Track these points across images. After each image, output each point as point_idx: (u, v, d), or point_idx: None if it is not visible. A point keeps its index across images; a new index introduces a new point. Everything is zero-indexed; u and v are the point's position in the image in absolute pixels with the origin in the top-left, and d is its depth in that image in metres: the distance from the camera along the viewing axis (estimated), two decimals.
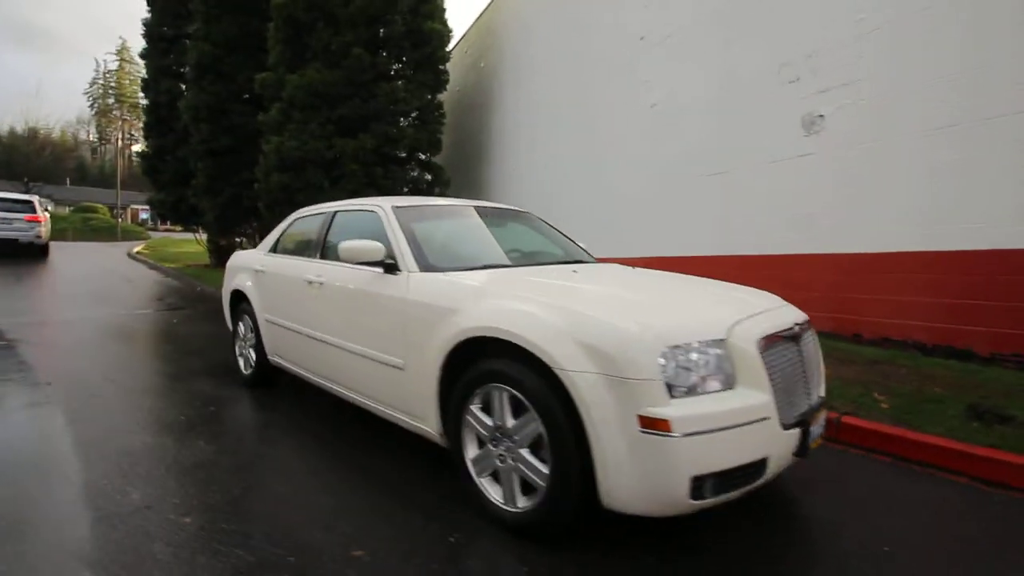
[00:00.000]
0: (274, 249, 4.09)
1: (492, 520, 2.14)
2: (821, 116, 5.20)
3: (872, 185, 4.83)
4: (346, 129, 10.73)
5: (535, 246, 3.36)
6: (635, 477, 1.75)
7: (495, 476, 2.17)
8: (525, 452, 2.01)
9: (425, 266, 2.66)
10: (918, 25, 4.48)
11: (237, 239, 15.21)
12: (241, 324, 4.29)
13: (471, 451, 2.24)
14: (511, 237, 3.32)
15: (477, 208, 3.46)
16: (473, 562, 1.94)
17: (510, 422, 2.06)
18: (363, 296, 2.83)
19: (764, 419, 1.85)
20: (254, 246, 15.46)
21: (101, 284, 11.45)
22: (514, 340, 1.97)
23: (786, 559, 2.02)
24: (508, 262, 2.91)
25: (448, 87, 11.86)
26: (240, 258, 4.63)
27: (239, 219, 13.58)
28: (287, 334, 3.61)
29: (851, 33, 4.93)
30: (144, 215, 36.89)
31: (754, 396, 1.86)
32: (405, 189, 11.32)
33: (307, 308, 3.33)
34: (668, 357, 1.78)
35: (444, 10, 11.36)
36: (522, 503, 2.05)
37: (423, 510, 2.28)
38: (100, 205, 37.57)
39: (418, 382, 2.46)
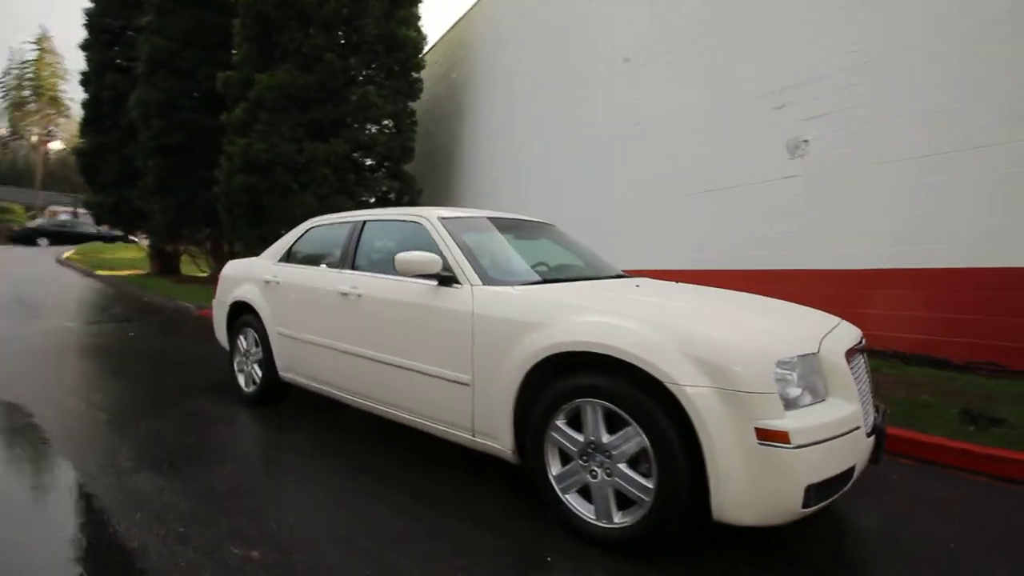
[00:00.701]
0: (286, 259, 3.88)
1: (580, 536, 2.10)
2: (806, 141, 5.57)
3: (853, 207, 5.21)
4: (317, 133, 10.38)
5: (574, 259, 3.38)
6: (749, 488, 1.78)
7: (582, 493, 2.15)
8: (624, 467, 2.00)
9: (488, 279, 2.61)
10: (901, 63, 4.90)
11: (183, 246, 14.28)
12: (243, 338, 4.02)
13: (555, 468, 2.21)
14: (550, 250, 3.31)
15: (507, 219, 3.43)
16: None
17: (605, 437, 2.05)
18: (417, 310, 2.73)
19: (857, 428, 1.94)
20: (207, 253, 14.64)
21: (36, 293, 10.39)
22: (622, 356, 1.96)
23: (866, 560, 2.11)
24: (563, 275, 2.91)
25: (420, 96, 11.76)
26: (240, 267, 4.35)
27: (192, 222, 12.76)
28: (307, 348, 3.42)
29: (836, 66, 5.33)
30: (64, 216, 33.85)
31: (847, 407, 1.95)
32: (372, 200, 11.06)
33: (338, 321, 3.17)
34: (779, 371, 1.83)
35: (419, 17, 11.27)
36: (619, 518, 2.03)
37: (504, 531, 2.21)
38: (15, 205, 34.18)
39: (489, 398, 2.39)
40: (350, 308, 3.10)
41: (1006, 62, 4.27)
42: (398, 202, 11.94)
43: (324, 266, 3.54)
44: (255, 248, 7.43)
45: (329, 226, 3.76)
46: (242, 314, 4.07)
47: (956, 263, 4.59)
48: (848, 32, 5.25)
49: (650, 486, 1.93)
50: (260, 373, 3.85)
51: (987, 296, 4.45)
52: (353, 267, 3.28)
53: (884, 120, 5.00)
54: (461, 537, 2.16)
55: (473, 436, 2.51)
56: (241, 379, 4.06)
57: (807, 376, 1.92)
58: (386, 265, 3.23)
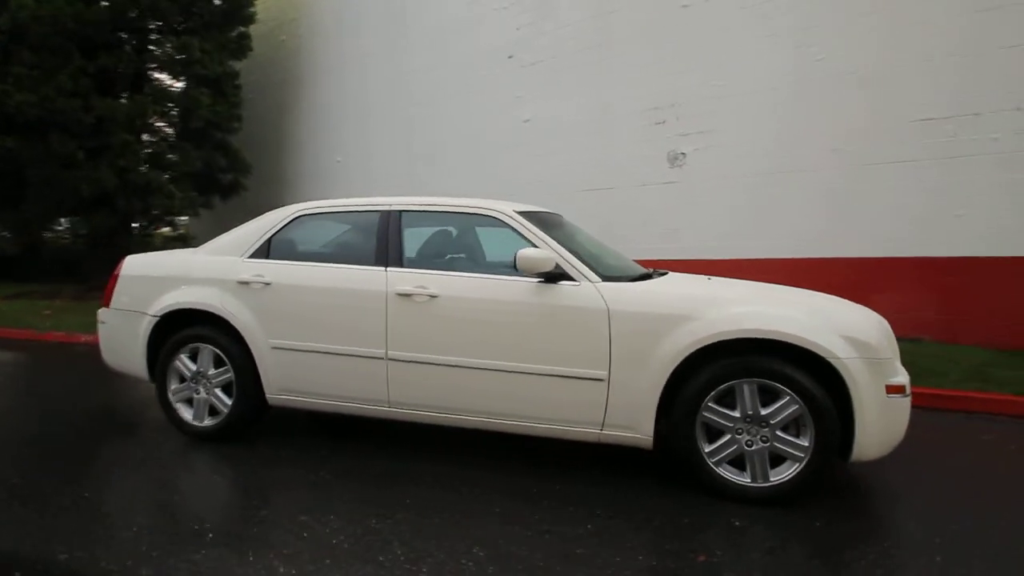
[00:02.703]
0: (263, 254, 3.11)
1: (737, 500, 2.38)
2: (683, 154, 6.72)
3: (720, 209, 6.53)
4: (110, 86, 7.98)
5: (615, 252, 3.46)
6: (880, 431, 2.31)
7: (733, 463, 2.42)
8: (780, 432, 2.35)
9: (604, 276, 2.65)
10: (750, 99, 6.29)
11: None
12: (187, 360, 3.09)
13: (706, 445, 2.43)
14: (595, 243, 3.36)
15: (543, 212, 3.37)
16: (764, 533, 2.16)
17: (763, 410, 2.36)
18: (531, 309, 2.59)
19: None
20: None
21: None
22: (791, 340, 2.27)
23: (972, 496, 2.59)
24: (638, 269, 3.09)
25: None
26: (165, 265, 3.31)
27: None
28: (327, 362, 2.86)
29: (704, 94, 6.55)
30: None
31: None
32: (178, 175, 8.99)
33: (398, 327, 2.74)
34: (887, 340, 2.41)
35: None
36: (774, 477, 2.37)
37: (668, 516, 2.34)
38: None
39: (629, 391, 2.46)
40: (417, 311, 2.73)
41: (828, 104, 5.89)
42: (222, 180, 10.02)
43: (345, 263, 2.98)
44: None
45: (332, 215, 3.18)
46: (183, 327, 3.12)
47: (775, 255, 6.16)
48: (712, 67, 6.51)
49: (805, 443, 2.32)
50: (229, 400, 3.03)
51: (790, 281, 6.14)
52: (401, 264, 2.86)
53: (738, 143, 6.40)
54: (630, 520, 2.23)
55: (601, 430, 2.55)
56: (187, 412, 3.13)
57: (893, 343, 2.56)
58: (456, 262, 2.97)
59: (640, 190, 7.02)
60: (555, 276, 2.60)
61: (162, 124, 8.30)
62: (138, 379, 3.44)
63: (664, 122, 6.82)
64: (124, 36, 7.90)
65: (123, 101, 7.77)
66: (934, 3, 5.32)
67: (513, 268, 2.64)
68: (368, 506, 2.33)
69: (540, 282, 2.63)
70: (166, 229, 10.47)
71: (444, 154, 9.10)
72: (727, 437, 2.41)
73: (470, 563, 1.92)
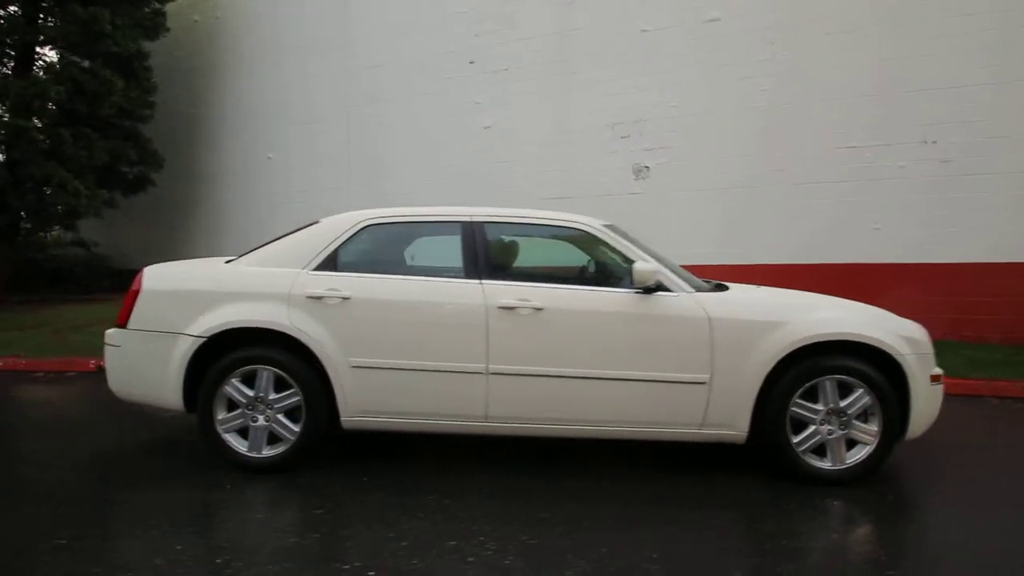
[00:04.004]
0: (330, 266, 2.88)
1: (820, 483, 2.71)
2: (647, 167, 7.22)
3: (681, 219, 7.11)
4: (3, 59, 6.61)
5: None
6: (926, 413, 2.77)
7: (816, 452, 2.75)
8: (858, 421, 2.73)
9: (695, 286, 2.85)
10: (711, 118, 6.93)
11: None
12: (240, 385, 2.76)
13: (794, 437, 2.73)
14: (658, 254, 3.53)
15: (614, 225, 3.46)
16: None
17: (841, 402, 2.72)
18: (636, 320, 2.72)
19: None
20: None
21: None
22: (868, 341, 2.65)
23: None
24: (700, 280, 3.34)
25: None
26: (220, 278, 2.92)
27: None
28: (420, 378, 2.75)
29: (663, 114, 7.10)
30: None
31: None
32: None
33: (501, 341, 2.71)
34: None
35: None
36: (850, 461, 2.74)
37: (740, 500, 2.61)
38: None
39: (728, 392, 2.69)
40: (521, 324, 2.72)
41: (771, 128, 6.70)
42: (127, 175, 8.75)
43: (430, 276, 2.87)
44: None
45: (404, 224, 3.04)
46: (233, 349, 2.78)
47: (730, 261, 6.89)
48: (670, 88, 7.08)
49: (875, 428, 2.72)
50: (295, 425, 2.78)
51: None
52: (495, 276, 2.83)
53: (695, 159, 7.04)
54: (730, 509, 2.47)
55: (699, 429, 2.75)
56: (239, 443, 2.80)
57: None
58: (548, 275, 2.99)
59: (605, 200, 7.40)
60: (653, 287, 2.76)
61: (78, 105, 6.98)
62: (162, 410, 3.03)
63: (628, 136, 7.28)
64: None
65: (15, 80, 6.45)
66: (850, 52, 6.30)
67: (594, 278, 2.81)
68: (513, 524, 2.30)
69: (638, 292, 2.77)
70: (56, 232, 8.84)
71: (394, 156, 8.82)
72: (811, 428, 2.74)
73: (654, 567, 2.00)
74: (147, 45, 8.72)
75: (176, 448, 3.28)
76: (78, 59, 7.39)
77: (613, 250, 2.90)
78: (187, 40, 10.29)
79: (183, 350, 2.78)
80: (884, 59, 6.18)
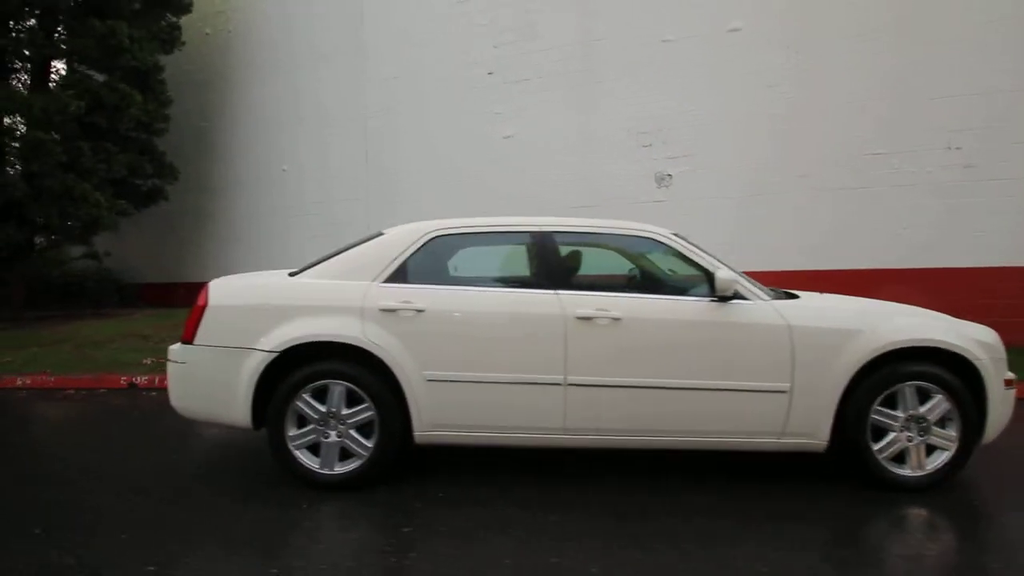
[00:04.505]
0: (399, 277, 2.84)
1: (896, 490, 2.69)
2: (670, 175, 7.26)
3: (704, 227, 7.13)
4: (4, 72, 6.53)
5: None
6: (1000, 417, 2.76)
7: (896, 459, 2.73)
8: (935, 427, 2.72)
9: (769, 294, 2.84)
10: (734, 127, 6.98)
11: None
12: (312, 401, 2.71)
13: (875, 445, 2.72)
14: None
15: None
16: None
17: (921, 408, 2.71)
18: (716, 328, 2.70)
19: None
20: None
21: None
22: (948, 347, 2.65)
23: None
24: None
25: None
26: (288, 292, 2.87)
27: None
28: (496, 391, 2.71)
29: (688, 122, 7.15)
30: None
31: None
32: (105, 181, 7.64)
33: (579, 352, 2.67)
34: None
35: None
36: (929, 467, 2.72)
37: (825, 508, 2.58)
38: None
39: (809, 400, 2.67)
40: (600, 335, 2.69)
41: (796, 135, 6.75)
42: (141, 188, 8.66)
43: (503, 287, 2.85)
44: None
45: (472, 235, 3.01)
46: (302, 364, 2.73)
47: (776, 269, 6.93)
48: (693, 97, 7.13)
49: (954, 434, 2.71)
50: (367, 441, 2.72)
51: None
52: (569, 287, 2.81)
53: (718, 168, 7.08)
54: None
55: (779, 439, 2.73)
56: (310, 460, 2.74)
57: None
58: (620, 284, 2.97)
59: (629, 208, 7.40)
60: (730, 296, 2.75)
61: (97, 119, 6.88)
62: (226, 427, 2.97)
63: (651, 145, 7.32)
64: (27, 10, 6.49)
65: (32, 92, 6.37)
66: (870, 58, 6.39)
67: (665, 287, 2.83)
68: (621, 539, 2.26)
69: (713, 301, 2.76)
70: (64, 247, 8.65)
71: (411, 167, 8.81)
72: (891, 435, 2.72)
73: None
74: (161, 59, 8.67)
75: (236, 466, 3.20)
76: (94, 72, 7.31)
77: (685, 258, 2.88)
78: (198, 53, 10.25)
79: (253, 365, 2.72)
80: (903, 65, 6.28)
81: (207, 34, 10.27)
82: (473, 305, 2.77)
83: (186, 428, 3.86)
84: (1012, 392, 2.82)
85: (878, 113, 6.33)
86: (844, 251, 6.52)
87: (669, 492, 2.76)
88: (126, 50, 7.08)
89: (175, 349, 2.89)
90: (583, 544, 2.21)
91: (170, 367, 2.90)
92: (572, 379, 2.70)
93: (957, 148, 6.10)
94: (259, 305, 2.82)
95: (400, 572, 2.04)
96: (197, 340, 2.80)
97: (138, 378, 5.04)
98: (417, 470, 2.99)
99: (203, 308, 2.82)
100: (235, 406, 2.76)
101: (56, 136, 6.75)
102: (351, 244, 3.15)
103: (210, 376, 2.80)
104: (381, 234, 3.05)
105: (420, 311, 2.74)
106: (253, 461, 3.21)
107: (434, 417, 2.74)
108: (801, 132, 6.69)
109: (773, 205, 6.89)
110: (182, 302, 10.60)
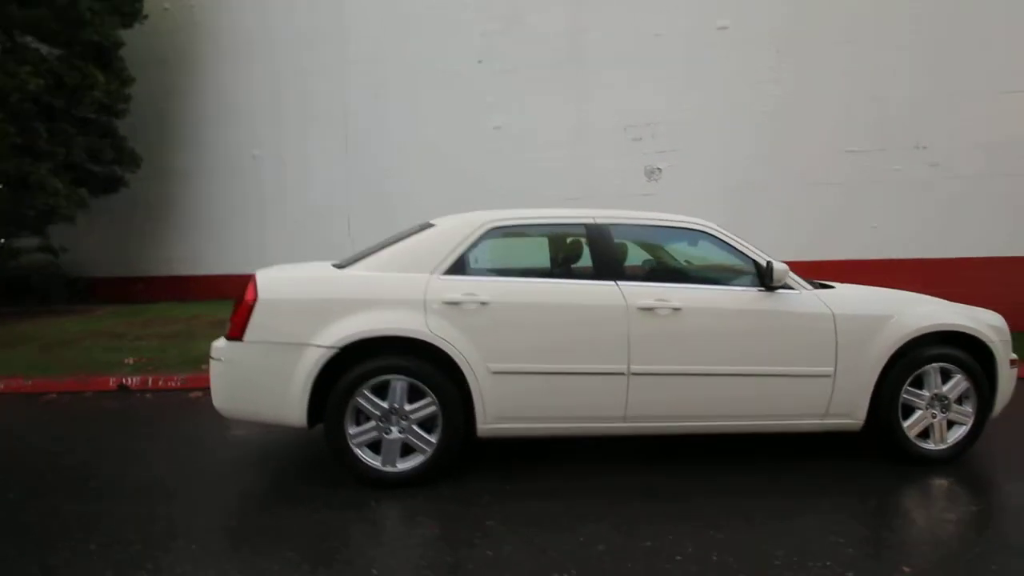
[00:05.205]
0: (458, 269, 2.81)
1: (922, 464, 2.94)
2: (659, 169, 7.45)
3: None
4: None
5: None
6: (1006, 395, 3.07)
7: (921, 435, 2.97)
8: (955, 404, 2.97)
9: (810, 284, 3.01)
10: (722, 123, 7.23)
11: None
12: (373, 397, 2.65)
13: (906, 421, 2.94)
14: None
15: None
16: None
17: (943, 388, 2.95)
18: (766, 317, 2.84)
19: None
20: None
21: None
22: (966, 331, 2.91)
23: None
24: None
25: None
26: (345, 285, 2.77)
27: None
28: (561, 381, 2.74)
29: (677, 117, 7.35)
30: None
31: None
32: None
33: (642, 342, 2.74)
34: None
35: None
36: (950, 440, 2.98)
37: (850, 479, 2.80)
38: None
39: (849, 383, 2.86)
40: (660, 324, 2.77)
41: (780, 133, 7.09)
42: (98, 174, 8.00)
43: (562, 278, 2.87)
44: None
45: (528, 227, 3.05)
46: (360, 359, 2.66)
47: None
48: (683, 93, 7.33)
49: (970, 410, 2.98)
50: (430, 436, 2.69)
51: None
52: (628, 278, 2.86)
53: (706, 163, 7.33)
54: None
55: (822, 420, 2.92)
56: (374, 458, 2.68)
57: None
58: (673, 274, 3.06)
59: (620, 201, 7.56)
60: (779, 285, 2.90)
61: (52, 99, 6.24)
62: (276, 427, 2.84)
63: (641, 139, 7.49)
64: None
65: None
66: (851, 62, 6.81)
67: (714, 277, 2.98)
68: (688, 521, 2.36)
69: (760, 291, 2.90)
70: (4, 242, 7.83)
71: (396, 155, 8.59)
72: (918, 413, 2.96)
73: (848, 549, 2.12)
74: (121, 34, 8.02)
75: (281, 467, 3.06)
76: (48, 47, 6.65)
77: (732, 249, 3.01)
78: (157, 30, 9.51)
79: (311, 362, 2.62)
80: (879, 67, 6.72)
81: (166, 9, 9.55)
82: (538, 297, 2.77)
83: (202, 429, 3.68)
84: (1015, 371, 3.13)
85: (857, 113, 6.76)
86: (826, 243, 6.92)
87: (719, 475, 2.88)
88: (87, 23, 6.50)
89: (220, 347, 2.73)
90: (668, 528, 2.29)
91: (215, 366, 2.74)
92: (635, 368, 2.76)
93: (924, 147, 6.62)
94: (316, 299, 2.71)
95: (504, 564, 2.05)
96: (248, 337, 2.66)
97: (128, 379, 4.69)
98: (469, 465, 2.97)
99: (253, 303, 2.68)
100: (289, 405, 2.65)
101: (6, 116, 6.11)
102: (399, 236, 3.08)
103: (261, 374, 2.67)
104: (431, 225, 3.00)
105: (484, 303, 2.72)
106: (297, 461, 3.11)
107: (499, 410, 2.74)
108: (785, 130, 7.04)
109: (759, 199, 7.22)
110: (141, 297, 9.94)
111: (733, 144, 7.18)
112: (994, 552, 2.15)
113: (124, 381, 4.65)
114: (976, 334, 2.96)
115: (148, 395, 4.53)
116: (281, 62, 8.95)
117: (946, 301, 3.30)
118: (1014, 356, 3.12)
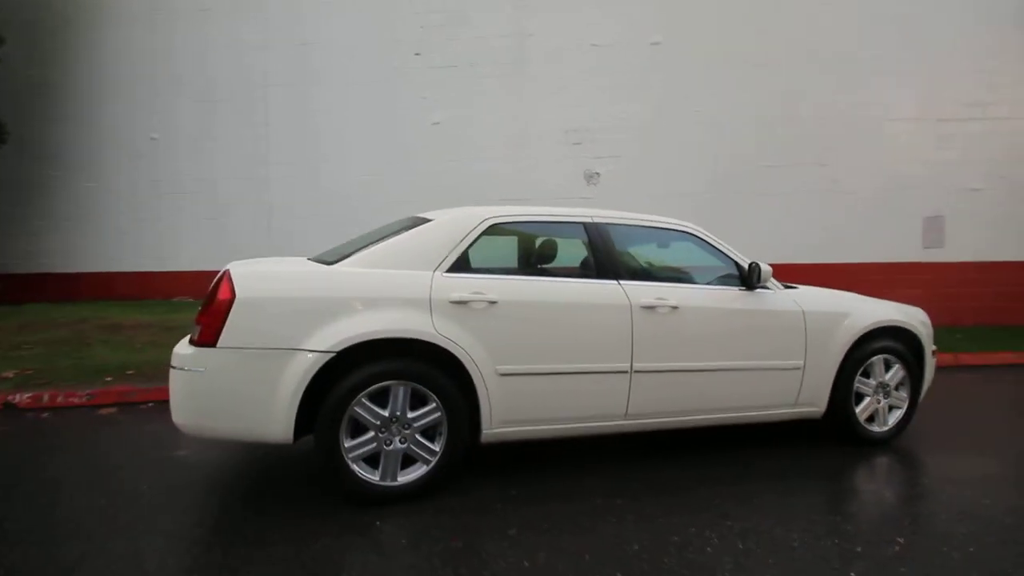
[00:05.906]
0: (462, 267, 2.66)
1: (866, 443, 3.30)
2: (598, 173, 7.68)
3: None
4: None
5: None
6: (929, 378, 3.53)
7: (868, 419, 3.32)
8: (894, 391, 3.36)
9: (781, 284, 3.25)
10: (653, 133, 7.62)
11: None
12: (371, 405, 2.42)
13: (858, 407, 3.27)
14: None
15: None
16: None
17: (885, 377, 3.33)
18: (749, 314, 3.01)
19: None
20: None
21: None
22: (903, 326, 3.30)
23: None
24: None
25: None
26: (338, 282, 2.47)
27: None
28: (567, 381, 2.70)
29: (614, 125, 7.63)
30: None
31: None
32: None
33: (639, 339, 2.77)
34: None
35: None
36: (891, 423, 3.36)
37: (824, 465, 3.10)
38: None
39: (815, 374, 3.13)
40: (660, 323, 2.83)
41: (705, 146, 7.63)
42: None
43: (565, 277, 2.82)
44: None
45: (526, 224, 2.96)
46: (355, 364, 2.42)
47: None
48: (618, 101, 7.64)
49: (905, 395, 3.39)
50: (435, 444, 2.53)
51: None
52: (627, 277, 2.89)
53: (640, 168, 7.70)
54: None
55: (793, 409, 3.16)
56: (371, 473, 2.46)
57: None
58: (665, 274, 3.13)
59: (559, 203, 7.66)
60: (760, 285, 3.10)
61: None
62: (254, 444, 2.49)
63: (580, 143, 7.68)
64: None
65: None
66: (767, 82, 7.54)
67: (698, 277, 3.11)
68: (705, 513, 2.42)
69: (742, 290, 3.08)
70: None
71: (325, 143, 8.06)
72: (867, 399, 3.31)
73: (846, 526, 2.30)
74: None
75: (251, 488, 2.68)
76: None
77: (716, 251, 3.16)
78: None
79: (302, 369, 2.32)
80: (791, 90, 7.50)
81: None
82: (546, 296, 2.70)
83: (133, 452, 3.14)
84: (935, 360, 3.62)
85: (774, 130, 7.48)
86: (743, 250, 7.52)
87: (704, 466, 2.99)
88: None
89: (187, 355, 2.33)
90: (687, 520, 2.34)
91: (178, 376, 2.34)
92: (637, 366, 2.80)
93: (823, 165, 7.50)
94: (308, 298, 2.41)
95: (547, 573, 1.95)
96: (223, 342, 2.30)
97: (16, 396, 3.86)
98: (459, 473, 2.82)
99: (229, 302, 2.32)
100: (273, 418, 2.34)
101: None
102: (387, 231, 2.86)
103: (240, 384, 2.33)
104: (425, 220, 2.81)
105: (493, 303, 2.59)
106: (267, 482, 2.75)
107: (505, 413, 2.63)
108: (713, 141, 7.60)
109: (683, 206, 7.71)
110: (1, 297, 8.31)
111: (670, 152, 7.62)
112: (953, 519, 2.45)
113: (10, 399, 3.82)
114: (912, 328, 3.38)
115: (44, 414, 3.76)
116: (185, 35, 8.01)
117: (884, 300, 3.75)
118: (935, 347, 3.62)
